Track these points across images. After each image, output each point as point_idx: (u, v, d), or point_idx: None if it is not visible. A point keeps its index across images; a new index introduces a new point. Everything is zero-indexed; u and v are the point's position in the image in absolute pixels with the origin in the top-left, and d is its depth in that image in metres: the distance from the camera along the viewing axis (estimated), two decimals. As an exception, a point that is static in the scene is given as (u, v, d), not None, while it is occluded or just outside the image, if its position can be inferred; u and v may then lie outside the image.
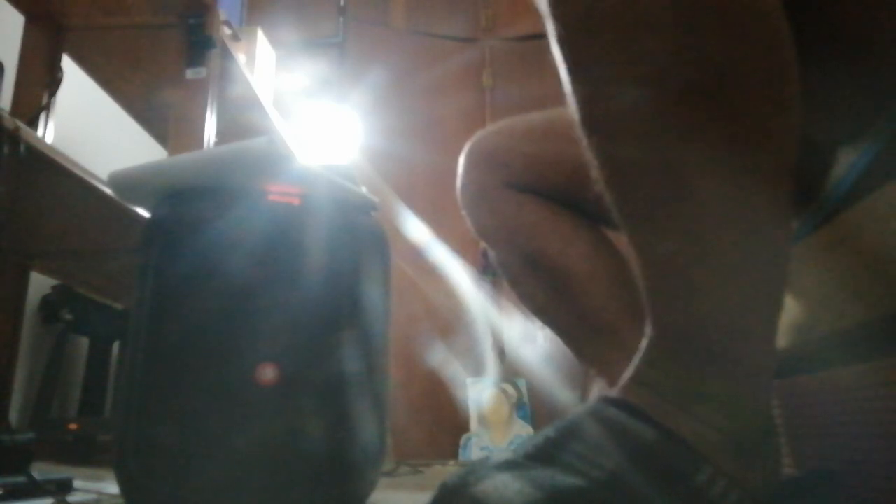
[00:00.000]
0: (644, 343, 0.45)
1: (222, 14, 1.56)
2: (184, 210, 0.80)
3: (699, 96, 0.38)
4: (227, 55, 1.58)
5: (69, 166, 1.10)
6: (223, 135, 1.48)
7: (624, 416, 0.42)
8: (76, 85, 1.64)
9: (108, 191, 1.13)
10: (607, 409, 0.44)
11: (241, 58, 1.69)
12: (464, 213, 0.81)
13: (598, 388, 0.74)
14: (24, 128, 0.99)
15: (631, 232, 0.44)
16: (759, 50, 0.39)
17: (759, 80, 0.39)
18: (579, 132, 0.42)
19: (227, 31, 1.60)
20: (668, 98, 0.39)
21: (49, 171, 1.09)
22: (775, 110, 0.39)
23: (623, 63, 0.39)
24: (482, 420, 2.45)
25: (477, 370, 2.52)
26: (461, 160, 0.80)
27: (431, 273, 2.49)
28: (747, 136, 0.39)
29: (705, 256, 0.41)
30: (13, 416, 1.53)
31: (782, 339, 0.64)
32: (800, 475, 0.62)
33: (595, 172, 0.43)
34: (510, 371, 2.51)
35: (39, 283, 1.61)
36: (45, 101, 1.42)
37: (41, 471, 0.94)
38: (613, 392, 0.45)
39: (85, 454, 1.56)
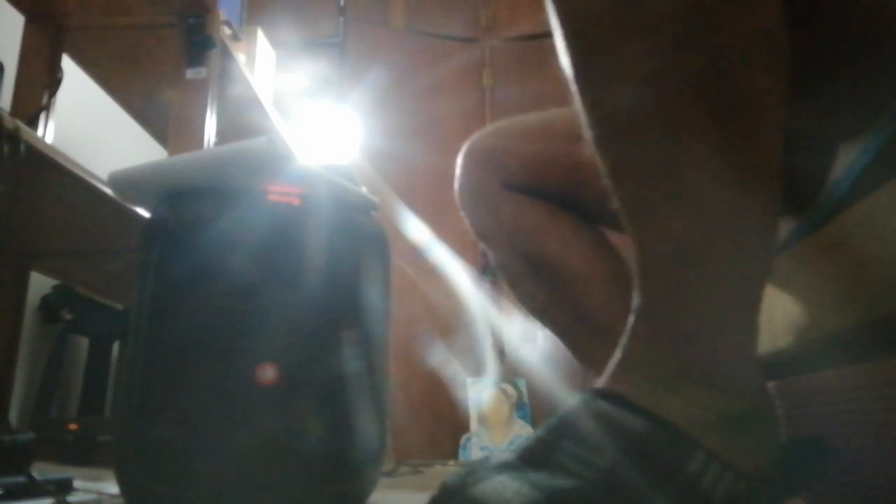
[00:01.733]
0: (629, 322, 0.45)
1: (222, 14, 1.56)
2: (184, 210, 0.80)
3: (697, 91, 0.40)
4: (227, 55, 1.58)
5: (69, 166, 1.10)
6: (223, 135, 1.48)
7: (614, 409, 0.43)
8: (76, 85, 1.64)
9: (108, 191, 1.13)
10: (596, 401, 0.44)
11: (241, 58, 1.69)
12: (462, 213, 0.81)
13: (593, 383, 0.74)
14: (24, 128, 0.99)
15: (624, 211, 0.44)
16: (758, 43, 0.40)
17: (757, 74, 0.40)
18: (585, 132, 0.43)
19: (227, 31, 1.60)
20: (668, 94, 0.40)
21: (49, 171, 1.09)
22: (766, 106, 0.41)
23: (626, 61, 0.40)
24: (482, 420, 2.45)
25: (477, 370, 2.52)
26: (459, 161, 0.80)
27: (431, 273, 2.49)
28: (740, 134, 0.40)
29: (696, 233, 0.42)
30: (13, 416, 1.53)
31: (782, 339, 0.64)
32: (788, 443, 0.62)
33: (602, 171, 0.44)
34: (510, 371, 2.51)
35: (39, 283, 1.61)
36: (45, 101, 1.42)
37: (41, 471, 0.94)
38: (601, 382, 0.45)
39: (85, 454, 1.56)
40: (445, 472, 1.59)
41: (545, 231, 0.74)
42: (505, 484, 0.39)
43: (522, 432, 2.41)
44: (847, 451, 0.57)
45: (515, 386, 2.50)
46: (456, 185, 0.80)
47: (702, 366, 0.43)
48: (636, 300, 0.45)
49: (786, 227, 0.63)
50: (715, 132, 0.40)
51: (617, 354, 0.46)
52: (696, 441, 0.41)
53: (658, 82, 0.40)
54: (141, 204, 0.92)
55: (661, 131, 0.41)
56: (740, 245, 0.42)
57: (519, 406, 2.48)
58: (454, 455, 2.41)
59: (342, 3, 2.86)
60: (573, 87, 0.43)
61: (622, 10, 0.39)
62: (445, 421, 2.47)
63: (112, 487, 0.94)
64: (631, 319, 0.46)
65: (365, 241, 0.87)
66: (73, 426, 1.55)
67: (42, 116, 1.42)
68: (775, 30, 0.40)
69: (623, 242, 0.50)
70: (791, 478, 0.48)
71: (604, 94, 0.42)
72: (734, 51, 0.39)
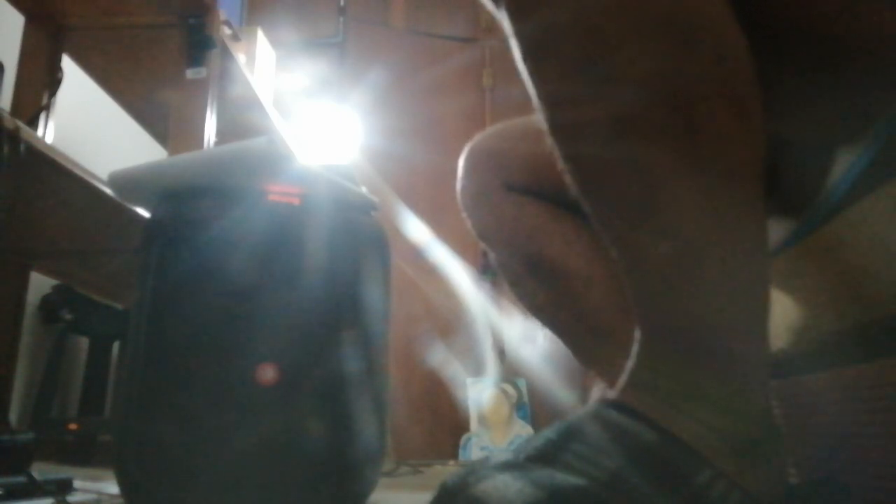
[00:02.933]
0: (635, 346, 0.45)
1: (222, 14, 1.56)
2: (184, 210, 0.80)
3: (656, 106, 0.40)
4: (227, 55, 1.58)
5: (69, 166, 1.10)
6: (223, 135, 1.48)
7: (624, 418, 0.43)
8: (76, 85, 1.64)
9: (108, 191, 1.13)
10: (607, 411, 0.44)
11: (241, 58, 1.69)
12: (464, 214, 0.81)
13: (598, 389, 0.74)
14: (24, 128, 0.99)
15: (608, 236, 0.45)
16: (709, 59, 0.40)
17: (712, 87, 0.40)
18: (548, 140, 0.44)
19: (227, 31, 1.60)
20: (626, 108, 0.40)
21: (49, 171, 1.09)
22: (732, 115, 0.41)
23: (582, 78, 0.41)
24: (482, 420, 2.46)
25: (477, 370, 2.52)
26: (461, 163, 0.80)
27: (431, 273, 2.49)
28: (708, 141, 0.40)
29: (681, 257, 0.42)
30: (13, 416, 1.53)
31: (782, 339, 0.64)
32: (804, 483, 0.62)
33: (567, 179, 0.44)
34: (510, 371, 2.51)
35: (39, 283, 1.61)
36: (45, 101, 1.42)
37: (41, 471, 0.94)
38: (612, 395, 0.45)
39: (85, 454, 1.56)
40: (445, 472, 1.59)
41: (546, 232, 0.74)
42: (507, 483, 0.39)
43: (522, 432, 2.41)
44: (848, 451, 0.57)
45: (515, 386, 2.50)
46: (458, 186, 0.80)
47: (708, 393, 0.43)
48: (637, 326, 0.45)
49: (786, 228, 0.63)
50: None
51: (625, 373, 0.46)
52: (705, 458, 0.41)
53: (626, 132, 0.41)
54: (141, 204, 0.92)
55: (636, 177, 0.42)
56: (724, 260, 0.42)
57: (519, 406, 2.48)
58: (454, 455, 2.41)
59: (342, 3, 2.86)
60: (533, 100, 0.44)
61: (587, 73, 0.40)
62: (445, 421, 2.47)
63: (112, 487, 0.94)
64: (635, 345, 0.46)
65: (365, 241, 0.87)
66: (73, 426, 1.55)
67: (42, 116, 1.42)
68: (734, 74, 0.41)
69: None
70: None
71: (575, 146, 0.43)
72: (696, 96, 0.40)
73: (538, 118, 0.44)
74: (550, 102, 0.43)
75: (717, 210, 0.41)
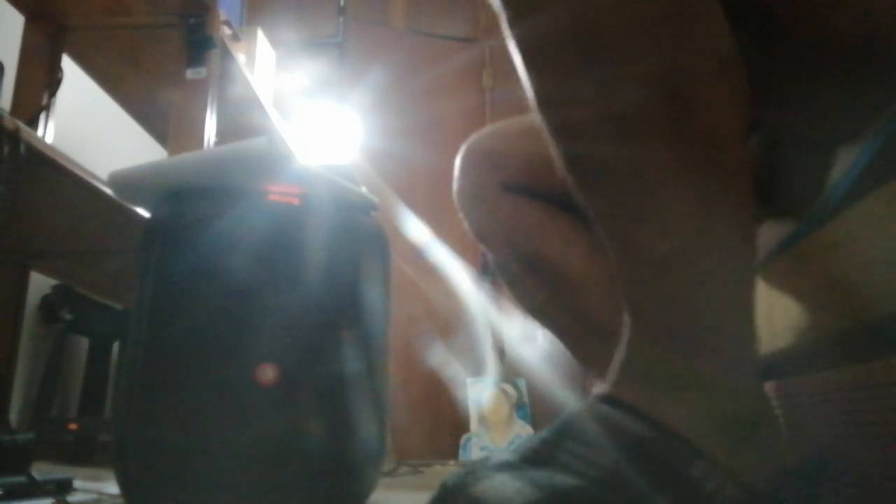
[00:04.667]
0: (624, 336, 0.46)
1: (222, 14, 1.56)
2: (184, 210, 0.80)
3: (654, 104, 0.41)
4: (227, 55, 1.58)
5: (69, 166, 1.10)
6: (223, 135, 1.48)
7: (617, 413, 0.43)
8: (76, 85, 1.64)
9: (108, 191, 1.13)
10: (600, 406, 0.44)
11: (241, 58, 1.69)
12: (461, 215, 0.81)
13: (597, 389, 0.74)
14: (24, 128, 0.99)
15: (601, 228, 0.46)
16: (707, 56, 0.41)
17: (709, 85, 0.41)
18: (546, 139, 0.45)
19: (227, 31, 1.60)
20: (624, 107, 0.41)
21: (49, 171, 1.09)
22: (727, 111, 0.42)
23: (579, 77, 0.42)
24: (482, 420, 2.45)
25: (477, 370, 2.52)
26: (457, 162, 0.80)
27: (431, 273, 2.49)
28: (704, 138, 0.42)
29: (676, 251, 0.43)
30: (13, 416, 1.53)
31: (782, 339, 0.64)
32: (801, 465, 0.62)
33: (562, 174, 0.45)
34: (510, 371, 2.51)
35: (39, 283, 1.61)
36: (45, 101, 1.42)
37: (41, 471, 0.94)
38: (604, 388, 0.46)
39: (85, 454, 1.56)
40: (445, 472, 1.59)
41: (544, 232, 0.74)
42: (506, 483, 0.39)
43: (522, 432, 2.41)
44: (846, 451, 0.57)
45: (515, 386, 2.50)
46: (454, 186, 0.80)
47: (698, 373, 0.43)
48: (626, 312, 0.46)
49: (786, 228, 0.63)
50: (684, 171, 0.42)
51: (616, 362, 0.46)
52: (698, 449, 0.41)
53: (624, 131, 0.42)
54: (141, 204, 0.92)
55: (633, 175, 0.43)
56: (716, 252, 0.43)
57: (519, 406, 2.47)
58: (454, 455, 2.41)
59: (342, 3, 2.86)
60: (529, 98, 0.45)
61: (585, 72, 0.41)
62: (445, 421, 2.47)
63: (112, 487, 0.94)
64: (625, 330, 0.46)
65: (365, 241, 0.87)
66: (73, 426, 1.55)
67: (42, 116, 1.42)
68: (730, 71, 0.42)
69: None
70: (798, 498, 0.48)
71: (573, 145, 0.44)
72: (694, 94, 0.41)
73: (535, 117, 0.45)
74: (547, 102, 0.44)
75: (710, 204, 0.42)
